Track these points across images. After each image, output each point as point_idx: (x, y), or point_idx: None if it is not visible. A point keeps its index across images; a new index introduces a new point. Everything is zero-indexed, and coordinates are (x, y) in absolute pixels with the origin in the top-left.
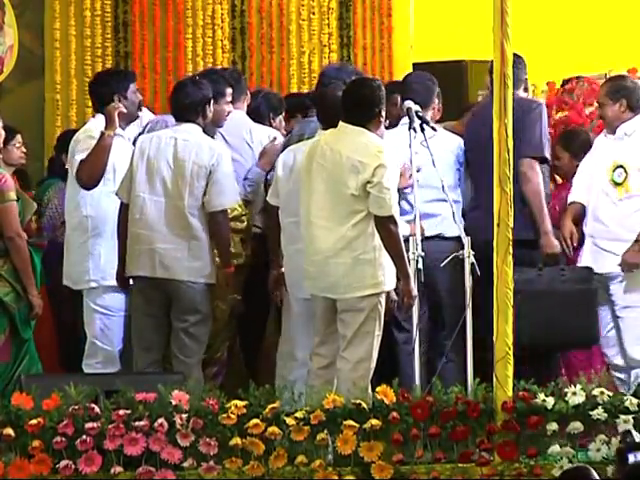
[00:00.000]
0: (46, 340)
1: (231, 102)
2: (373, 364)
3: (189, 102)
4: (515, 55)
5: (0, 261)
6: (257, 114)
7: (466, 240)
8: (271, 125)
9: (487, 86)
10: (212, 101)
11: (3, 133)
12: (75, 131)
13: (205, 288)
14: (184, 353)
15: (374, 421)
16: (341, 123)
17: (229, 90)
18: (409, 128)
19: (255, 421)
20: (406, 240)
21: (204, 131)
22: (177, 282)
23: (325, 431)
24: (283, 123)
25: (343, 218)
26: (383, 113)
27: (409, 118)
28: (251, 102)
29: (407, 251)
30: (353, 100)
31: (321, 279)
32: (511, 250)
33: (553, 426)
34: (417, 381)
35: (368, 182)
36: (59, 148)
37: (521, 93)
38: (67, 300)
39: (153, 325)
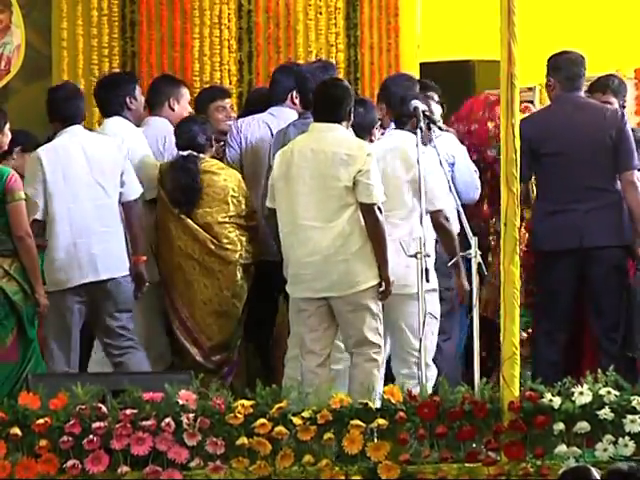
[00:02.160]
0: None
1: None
2: (382, 360)
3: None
4: (580, 55)
5: (9, 260)
6: (255, 112)
7: (473, 240)
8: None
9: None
10: None
11: (10, 135)
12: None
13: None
14: (124, 343)
15: (381, 421)
16: (313, 124)
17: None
18: (416, 128)
19: (262, 421)
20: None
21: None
22: (115, 279)
23: (332, 431)
24: None
25: (334, 214)
26: (352, 112)
27: (416, 118)
28: (248, 99)
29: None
30: (326, 100)
31: (321, 279)
32: (518, 250)
33: (560, 426)
34: (424, 381)
35: (359, 171)
36: None
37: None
38: None
39: (78, 324)
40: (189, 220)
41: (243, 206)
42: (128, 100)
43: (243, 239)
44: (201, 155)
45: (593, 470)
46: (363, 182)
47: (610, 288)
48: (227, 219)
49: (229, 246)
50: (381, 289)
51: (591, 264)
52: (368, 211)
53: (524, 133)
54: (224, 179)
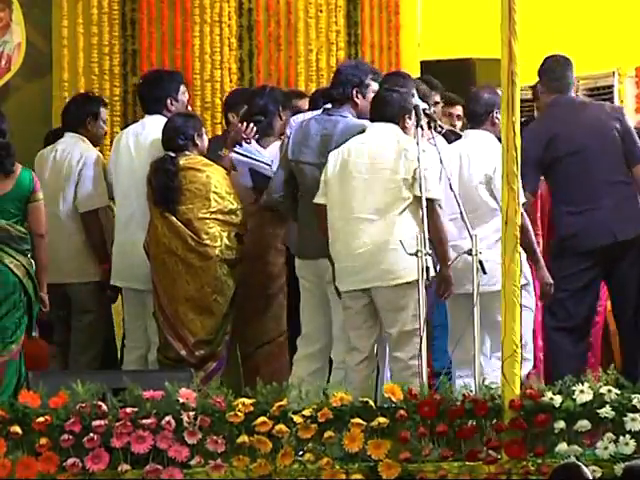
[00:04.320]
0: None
1: None
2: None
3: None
4: (565, 57)
5: (27, 259)
6: (265, 111)
7: (474, 238)
8: (280, 118)
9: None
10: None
11: None
12: (57, 130)
13: (94, 287)
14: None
15: (381, 419)
16: (372, 123)
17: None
18: (416, 126)
19: (262, 419)
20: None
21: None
22: (71, 285)
23: (332, 429)
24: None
25: (389, 206)
26: (408, 116)
27: (416, 116)
28: (256, 99)
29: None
30: (381, 102)
31: (370, 269)
32: (519, 248)
33: (560, 424)
34: (424, 379)
35: (416, 168)
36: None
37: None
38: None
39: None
40: (173, 217)
41: (226, 202)
42: (169, 101)
43: (224, 235)
44: (187, 152)
45: (583, 467)
46: (421, 178)
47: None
48: (208, 215)
49: (208, 242)
50: (442, 288)
51: (622, 257)
52: (429, 207)
53: (530, 142)
54: (207, 175)
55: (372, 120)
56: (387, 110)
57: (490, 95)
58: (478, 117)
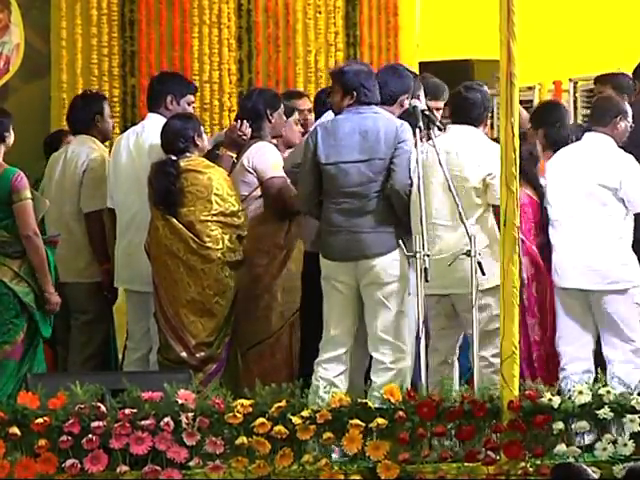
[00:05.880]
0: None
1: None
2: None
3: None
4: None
5: (18, 262)
6: (255, 113)
7: (473, 238)
8: (270, 121)
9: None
10: None
11: (13, 135)
12: (59, 132)
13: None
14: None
15: (380, 420)
16: (450, 126)
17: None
18: (415, 127)
19: (261, 420)
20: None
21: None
22: (68, 284)
23: (331, 430)
24: (284, 118)
25: (464, 213)
26: (489, 116)
27: (415, 117)
28: (247, 102)
29: (414, 251)
30: (460, 103)
31: (448, 276)
32: (517, 249)
33: (559, 425)
34: (423, 380)
35: (488, 174)
36: (48, 151)
37: None
38: None
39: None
40: (174, 220)
41: (228, 204)
42: (169, 98)
43: (226, 237)
44: (187, 154)
45: (585, 467)
46: (491, 184)
47: None
48: (209, 217)
49: (210, 244)
50: None
51: None
52: (496, 213)
53: None
54: (208, 177)
55: (453, 122)
56: (470, 111)
57: (620, 101)
58: (602, 119)
